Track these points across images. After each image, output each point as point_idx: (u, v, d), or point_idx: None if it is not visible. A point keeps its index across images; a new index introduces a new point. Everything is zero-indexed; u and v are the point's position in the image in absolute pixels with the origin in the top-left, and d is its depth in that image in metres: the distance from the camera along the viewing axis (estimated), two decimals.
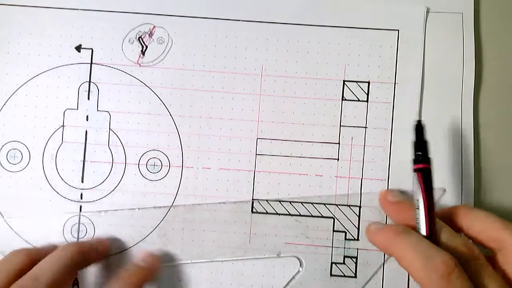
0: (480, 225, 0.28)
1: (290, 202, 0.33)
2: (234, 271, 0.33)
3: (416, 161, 0.29)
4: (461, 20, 0.34)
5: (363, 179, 0.33)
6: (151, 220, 0.33)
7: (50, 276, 0.27)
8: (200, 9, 0.34)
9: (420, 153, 0.29)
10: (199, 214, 0.33)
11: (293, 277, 0.33)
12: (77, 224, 0.33)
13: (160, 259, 0.32)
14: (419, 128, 0.30)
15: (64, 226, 0.33)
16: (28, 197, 0.33)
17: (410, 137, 0.33)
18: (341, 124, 0.34)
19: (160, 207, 0.33)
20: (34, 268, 0.28)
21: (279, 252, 0.33)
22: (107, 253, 0.32)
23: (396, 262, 0.32)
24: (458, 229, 0.29)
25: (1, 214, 0.33)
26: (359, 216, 0.33)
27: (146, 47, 0.34)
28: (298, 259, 0.33)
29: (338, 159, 0.33)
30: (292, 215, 0.33)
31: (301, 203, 0.33)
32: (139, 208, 0.33)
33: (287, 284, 0.33)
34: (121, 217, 0.33)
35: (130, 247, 0.33)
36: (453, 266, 0.25)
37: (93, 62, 0.34)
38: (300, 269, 0.33)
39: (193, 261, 0.33)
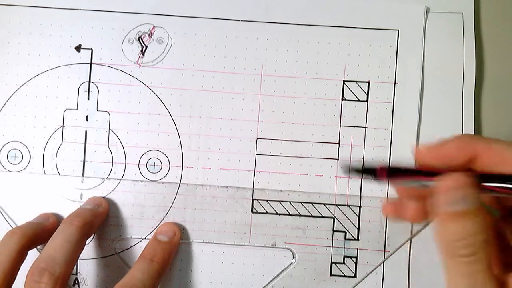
0: (496, 155, 0.26)
1: (290, 202, 0.34)
2: (234, 262, 0.34)
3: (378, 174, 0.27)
4: (461, 20, 0.35)
5: (363, 179, 0.34)
6: (151, 220, 0.34)
7: (64, 253, 0.29)
8: (200, 9, 0.35)
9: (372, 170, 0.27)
10: (198, 218, 0.34)
11: (285, 268, 0.34)
12: None
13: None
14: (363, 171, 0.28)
15: None
16: (28, 197, 0.34)
17: (410, 137, 0.34)
18: (341, 124, 0.34)
19: (160, 206, 0.34)
20: (46, 248, 0.29)
21: (274, 243, 0.34)
22: (107, 211, 0.34)
23: (395, 262, 0.33)
24: (466, 165, 0.26)
25: (2, 214, 0.34)
26: (359, 216, 0.34)
27: (146, 47, 0.35)
28: (291, 251, 0.34)
29: (338, 159, 0.34)
30: (292, 215, 0.34)
31: (301, 203, 0.34)
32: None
33: (278, 274, 0.34)
34: (121, 216, 0.34)
35: (131, 247, 0.34)
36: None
37: (93, 62, 0.35)
38: (293, 261, 0.34)
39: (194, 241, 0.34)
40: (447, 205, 0.25)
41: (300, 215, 0.34)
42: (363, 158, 0.35)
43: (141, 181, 0.35)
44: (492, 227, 0.29)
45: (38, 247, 0.32)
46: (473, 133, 0.34)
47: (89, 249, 0.34)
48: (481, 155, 0.26)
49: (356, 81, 0.35)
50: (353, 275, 0.34)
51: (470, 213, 0.24)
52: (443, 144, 0.27)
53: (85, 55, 0.35)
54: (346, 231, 0.34)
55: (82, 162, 0.35)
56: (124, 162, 0.35)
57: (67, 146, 0.35)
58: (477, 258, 0.24)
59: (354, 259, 0.34)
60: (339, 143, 0.35)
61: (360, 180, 0.34)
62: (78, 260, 0.34)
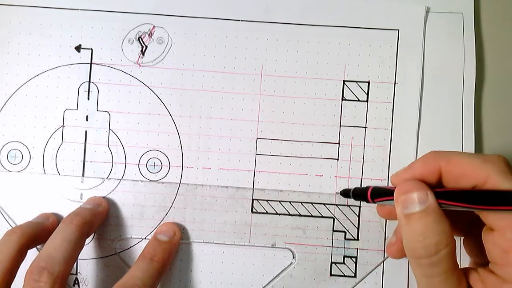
0: (457, 168, 0.27)
1: (290, 202, 0.34)
2: (234, 262, 0.34)
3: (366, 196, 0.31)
4: (461, 20, 0.35)
5: (363, 179, 0.34)
6: (151, 220, 0.34)
7: (64, 252, 0.29)
8: (200, 9, 0.35)
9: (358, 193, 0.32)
10: (198, 218, 0.34)
11: (285, 268, 0.34)
12: None
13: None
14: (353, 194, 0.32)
15: None
16: (28, 197, 0.34)
17: (410, 137, 0.34)
18: (341, 124, 0.35)
19: (160, 206, 0.34)
20: (46, 247, 0.30)
21: (274, 243, 0.34)
22: (107, 211, 0.34)
23: (395, 262, 0.33)
24: (436, 181, 0.28)
25: (2, 214, 0.34)
26: (359, 216, 0.34)
27: (146, 47, 0.35)
28: (291, 250, 0.34)
29: (338, 159, 0.34)
30: (292, 215, 0.34)
31: (301, 203, 0.34)
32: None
33: (278, 274, 0.34)
34: (121, 216, 0.34)
35: (131, 247, 0.34)
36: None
37: (93, 62, 0.35)
38: (293, 261, 0.34)
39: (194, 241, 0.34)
40: (403, 208, 0.27)
41: (300, 215, 0.34)
42: (363, 158, 0.35)
43: (141, 181, 0.35)
44: (465, 229, 0.30)
45: (37, 246, 0.33)
46: (473, 133, 0.35)
47: (89, 249, 0.34)
48: (443, 171, 0.27)
49: (356, 81, 0.35)
50: (353, 275, 0.34)
51: (422, 214, 0.26)
52: (411, 165, 0.29)
53: (85, 55, 0.35)
54: (346, 231, 0.34)
55: (82, 162, 0.35)
56: (124, 162, 0.35)
57: (67, 146, 0.35)
58: (435, 260, 0.25)
59: (354, 259, 0.34)
60: (339, 143, 0.35)
61: (360, 180, 0.35)
62: (78, 260, 0.34)
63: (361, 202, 0.34)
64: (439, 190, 0.27)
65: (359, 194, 0.31)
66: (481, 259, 0.30)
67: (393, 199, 0.28)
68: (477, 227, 0.28)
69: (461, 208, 0.26)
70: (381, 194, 0.30)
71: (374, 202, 0.30)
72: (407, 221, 0.26)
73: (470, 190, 0.26)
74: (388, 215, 0.32)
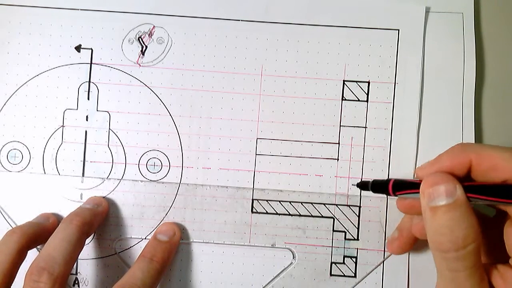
0: (487, 161, 0.27)
1: (290, 202, 0.34)
2: (234, 262, 0.34)
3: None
4: (461, 20, 0.35)
5: (362, 179, 0.34)
6: (151, 220, 0.34)
7: (64, 253, 0.29)
8: (200, 9, 0.35)
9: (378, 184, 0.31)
10: (198, 218, 0.34)
11: (285, 268, 0.34)
12: None
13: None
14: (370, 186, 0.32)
15: None
16: (28, 197, 0.34)
17: (410, 137, 0.34)
18: (341, 124, 0.35)
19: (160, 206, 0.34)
20: (46, 247, 0.29)
21: (274, 243, 0.34)
22: (107, 211, 0.34)
23: (395, 262, 0.33)
24: (464, 175, 0.28)
25: (2, 214, 0.34)
26: (358, 216, 0.34)
27: (146, 47, 0.35)
28: (291, 250, 0.34)
29: (338, 159, 0.34)
30: (292, 215, 0.34)
31: (301, 203, 0.34)
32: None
33: (279, 274, 0.34)
34: (121, 216, 0.34)
35: (131, 247, 0.34)
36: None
37: (93, 62, 0.35)
38: (293, 261, 0.34)
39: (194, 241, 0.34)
40: (429, 201, 0.26)
41: (300, 215, 0.34)
42: (363, 158, 0.35)
43: (141, 181, 0.35)
44: (485, 225, 0.30)
45: (38, 247, 0.33)
46: (473, 133, 0.35)
47: (89, 249, 0.34)
48: (473, 164, 0.27)
49: (356, 81, 0.35)
50: (353, 275, 0.34)
51: (450, 208, 0.26)
52: (439, 158, 0.29)
53: (85, 55, 0.35)
54: (346, 231, 0.34)
55: (82, 162, 0.35)
56: (124, 162, 0.35)
57: (67, 146, 0.35)
58: (462, 254, 0.25)
59: (354, 259, 0.34)
60: (339, 143, 0.35)
61: (360, 180, 0.34)
62: (78, 260, 0.34)
63: (361, 202, 0.34)
64: (468, 184, 0.26)
65: (379, 186, 0.31)
66: (490, 260, 0.30)
67: (416, 192, 0.27)
68: (487, 228, 0.28)
69: (491, 202, 0.26)
70: (403, 187, 0.29)
71: (396, 195, 0.30)
72: (433, 213, 0.26)
73: (502, 184, 0.26)
74: (410, 209, 0.31)
